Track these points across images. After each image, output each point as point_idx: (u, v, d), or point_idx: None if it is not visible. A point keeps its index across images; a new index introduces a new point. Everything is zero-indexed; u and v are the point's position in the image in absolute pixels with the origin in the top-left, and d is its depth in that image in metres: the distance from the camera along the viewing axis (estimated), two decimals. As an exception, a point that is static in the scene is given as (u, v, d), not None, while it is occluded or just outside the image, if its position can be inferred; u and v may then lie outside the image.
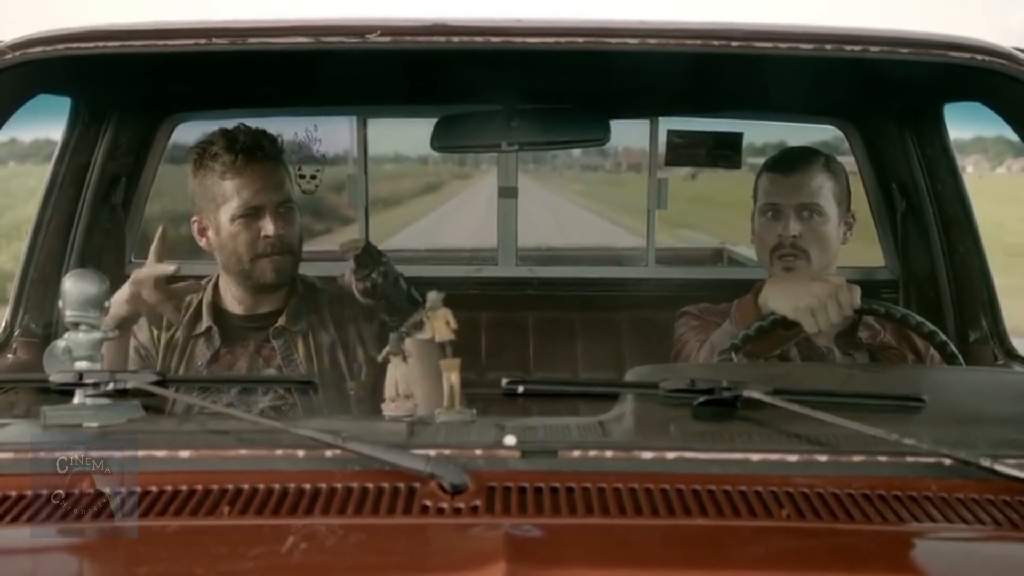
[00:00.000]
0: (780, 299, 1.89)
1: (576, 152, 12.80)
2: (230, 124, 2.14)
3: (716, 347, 1.97)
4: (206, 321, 2.15)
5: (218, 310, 2.17)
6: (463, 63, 1.89)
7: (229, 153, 2.06)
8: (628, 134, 2.84)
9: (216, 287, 2.19)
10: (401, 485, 1.17)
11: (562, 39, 1.55)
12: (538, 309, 2.83)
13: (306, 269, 2.26)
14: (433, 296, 1.36)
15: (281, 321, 2.15)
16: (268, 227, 2.06)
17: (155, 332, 2.14)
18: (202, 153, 2.09)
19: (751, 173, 2.38)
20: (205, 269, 2.30)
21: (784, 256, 2.13)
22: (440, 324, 1.34)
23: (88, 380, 1.33)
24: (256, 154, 2.07)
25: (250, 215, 2.06)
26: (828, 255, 2.17)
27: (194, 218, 2.13)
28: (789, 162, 2.22)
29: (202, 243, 2.14)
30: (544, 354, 2.73)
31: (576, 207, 15.44)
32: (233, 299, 2.17)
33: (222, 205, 2.07)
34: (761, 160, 2.34)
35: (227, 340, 2.14)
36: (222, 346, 2.13)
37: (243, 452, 1.24)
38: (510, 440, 1.23)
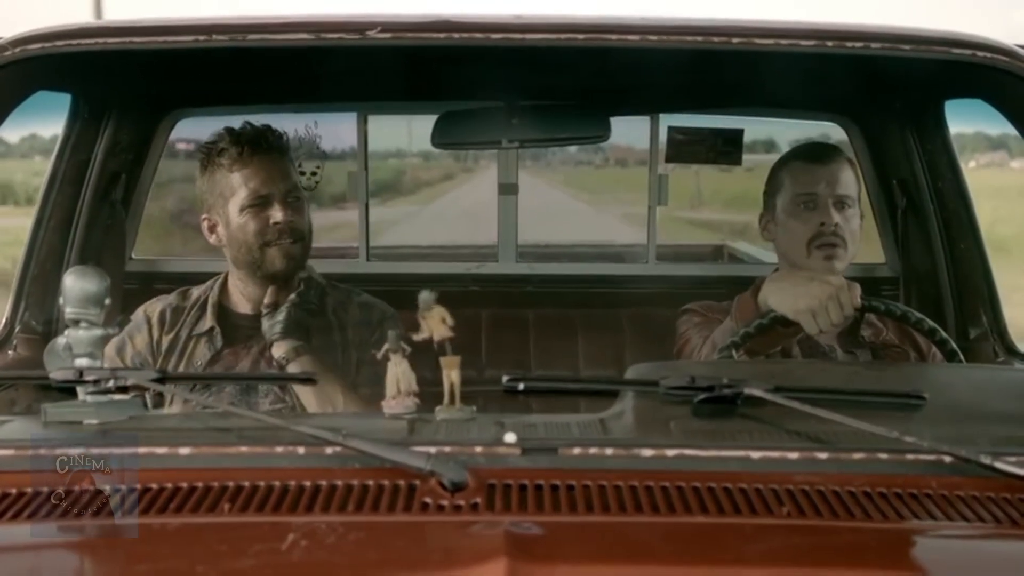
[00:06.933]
0: (780, 298, 1.88)
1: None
2: (230, 120, 2.14)
3: (717, 344, 1.96)
4: (209, 321, 2.13)
5: (223, 310, 2.16)
6: (463, 59, 1.89)
7: (235, 147, 2.08)
8: (627, 130, 2.83)
9: (224, 286, 2.18)
10: (401, 482, 1.17)
11: (562, 35, 1.55)
12: (538, 306, 2.83)
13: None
14: (425, 296, 1.33)
15: None
16: (277, 214, 2.06)
17: (155, 336, 2.13)
18: (210, 151, 2.10)
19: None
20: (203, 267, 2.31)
21: (824, 245, 2.10)
22: (436, 323, 1.33)
23: (89, 377, 1.33)
24: (261, 145, 2.09)
25: (259, 204, 2.07)
26: (855, 248, 2.17)
27: (203, 216, 2.14)
28: (821, 153, 2.20)
29: (212, 240, 2.14)
30: (544, 351, 2.73)
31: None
32: (241, 297, 2.16)
33: (231, 198, 2.08)
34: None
35: (229, 341, 2.12)
36: (224, 347, 2.12)
37: (243, 449, 1.24)
38: (510, 437, 1.23)
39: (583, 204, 15.06)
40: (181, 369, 2.09)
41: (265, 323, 2.06)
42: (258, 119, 2.15)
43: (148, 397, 1.77)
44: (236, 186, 2.07)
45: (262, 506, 1.14)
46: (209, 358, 2.10)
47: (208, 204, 2.12)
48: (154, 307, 2.17)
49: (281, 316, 2.04)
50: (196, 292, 2.19)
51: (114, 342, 2.07)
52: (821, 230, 2.11)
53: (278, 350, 2.03)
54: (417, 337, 1.34)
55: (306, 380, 1.88)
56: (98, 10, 18.14)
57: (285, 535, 1.06)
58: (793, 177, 2.18)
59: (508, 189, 2.88)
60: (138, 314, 2.17)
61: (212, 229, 2.13)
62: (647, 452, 1.23)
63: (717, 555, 1.09)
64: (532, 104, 2.30)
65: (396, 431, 1.31)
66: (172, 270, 2.84)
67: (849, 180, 2.16)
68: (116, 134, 2.56)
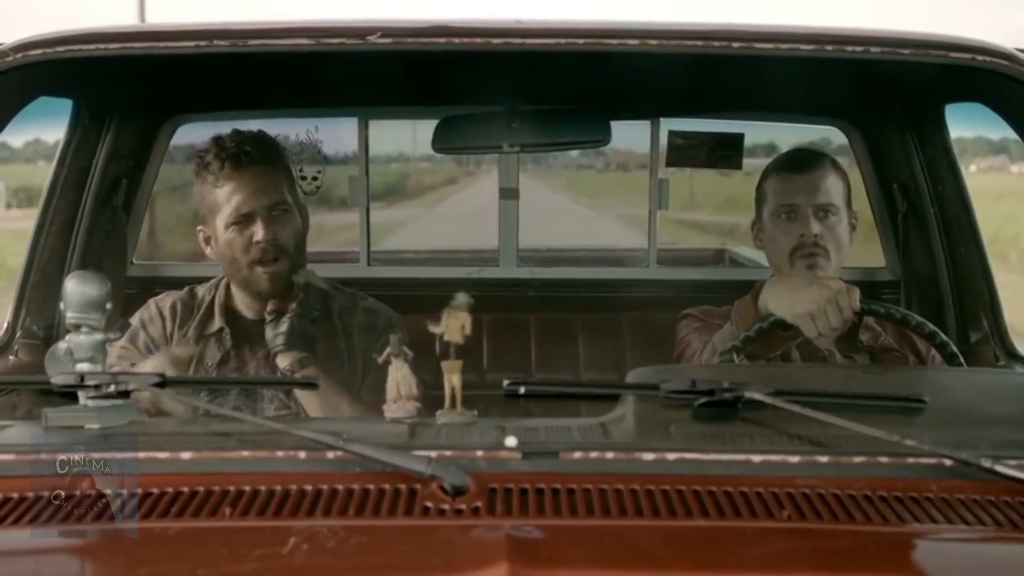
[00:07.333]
0: (779, 302, 1.88)
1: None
2: (231, 126, 2.14)
3: (717, 348, 1.97)
4: (218, 322, 2.14)
5: (230, 311, 2.16)
6: (464, 64, 1.89)
7: (217, 161, 2.04)
8: (628, 135, 2.84)
9: (228, 288, 2.18)
10: (402, 486, 1.17)
11: (563, 40, 1.55)
12: (539, 310, 2.83)
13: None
14: (461, 298, 1.36)
15: None
16: (259, 233, 2.03)
17: (168, 328, 2.13)
18: (199, 162, 2.08)
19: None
20: (204, 272, 2.31)
21: (806, 256, 2.11)
22: (455, 325, 1.34)
23: (90, 382, 1.33)
24: (242, 159, 2.04)
25: (241, 222, 2.04)
26: (842, 255, 2.17)
27: (199, 227, 2.13)
28: (801, 162, 2.21)
29: (208, 252, 2.13)
30: (545, 355, 2.73)
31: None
32: (241, 304, 2.17)
33: (217, 213, 2.06)
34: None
35: (238, 342, 2.13)
36: (233, 348, 2.12)
37: (244, 453, 1.24)
38: (511, 441, 1.23)
39: (584, 208, 15.07)
40: (192, 367, 2.09)
41: (269, 332, 2.03)
42: (259, 124, 2.15)
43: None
44: (221, 202, 2.05)
45: (263, 510, 1.14)
46: (219, 358, 2.11)
47: (201, 215, 2.11)
48: (165, 301, 2.18)
49: (284, 327, 2.01)
50: (201, 291, 2.19)
51: (128, 332, 2.07)
52: (802, 241, 2.12)
53: (283, 361, 2.01)
54: (432, 327, 1.34)
55: (308, 385, 1.88)
56: (142, 13, 18.34)
57: (286, 539, 1.06)
58: (774, 188, 2.19)
59: (509, 194, 2.88)
60: (150, 306, 2.17)
61: (207, 241, 2.12)
62: (648, 456, 1.23)
63: (718, 559, 1.09)
64: (533, 109, 2.30)
65: (397, 435, 1.31)
66: (173, 275, 2.84)
67: (832, 187, 2.16)
68: (117, 139, 2.56)
